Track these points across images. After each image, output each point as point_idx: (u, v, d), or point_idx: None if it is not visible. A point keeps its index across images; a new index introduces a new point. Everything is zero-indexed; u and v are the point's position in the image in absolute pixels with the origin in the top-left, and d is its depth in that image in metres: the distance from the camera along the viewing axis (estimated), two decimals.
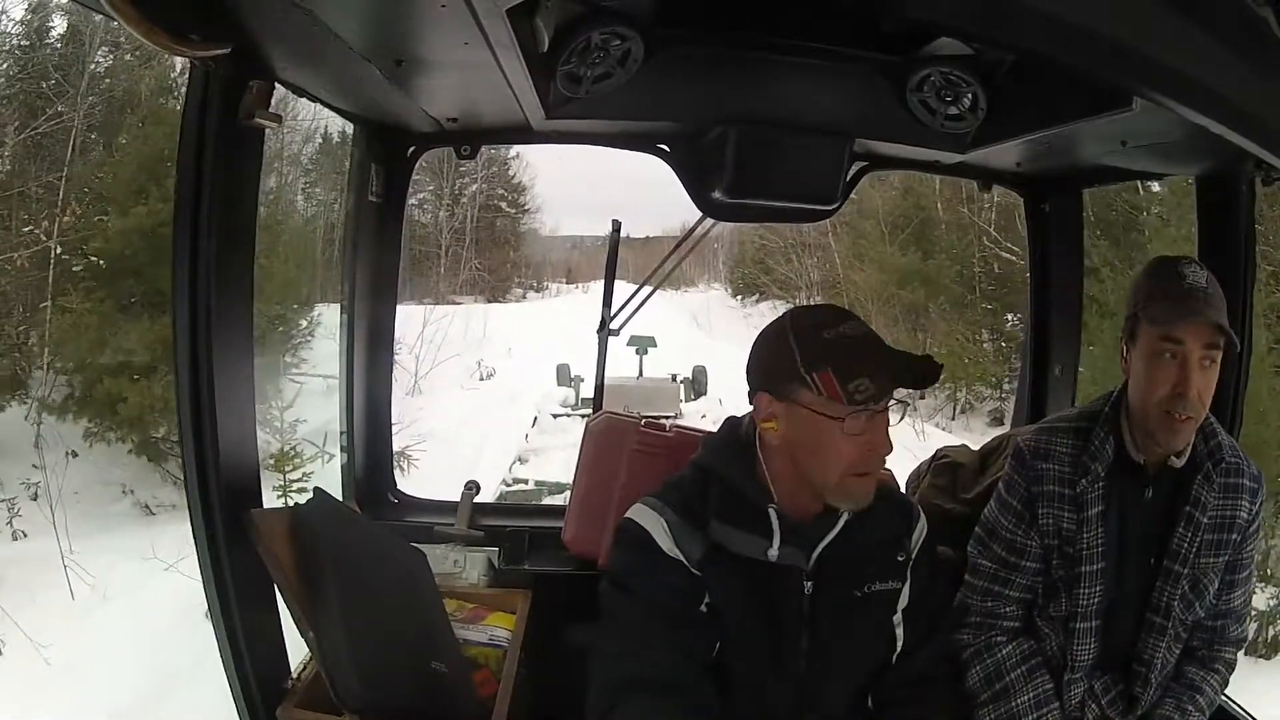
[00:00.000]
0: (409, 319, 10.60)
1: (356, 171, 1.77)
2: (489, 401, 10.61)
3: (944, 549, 1.40)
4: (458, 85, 1.45)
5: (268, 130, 1.20)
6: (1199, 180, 1.71)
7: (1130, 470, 1.31)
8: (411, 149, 1.82)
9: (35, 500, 6.28)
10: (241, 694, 1.22)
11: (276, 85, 1.23)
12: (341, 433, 1.87)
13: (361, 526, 1.51)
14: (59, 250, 7.54)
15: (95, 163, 8.42)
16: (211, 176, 1.14)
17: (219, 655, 1.22)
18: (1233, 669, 1.39)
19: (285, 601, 1.24)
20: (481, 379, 12.40)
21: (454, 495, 1.85)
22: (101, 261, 7.33)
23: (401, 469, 7.84)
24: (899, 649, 1.24)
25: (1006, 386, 11.24)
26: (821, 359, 1.10)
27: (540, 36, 1.24)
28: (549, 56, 1.33)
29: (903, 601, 1.24)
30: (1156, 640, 1.31)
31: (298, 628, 1.23)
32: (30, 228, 7.78)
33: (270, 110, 1.18)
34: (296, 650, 1.32)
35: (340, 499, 1.60)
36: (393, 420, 1.98)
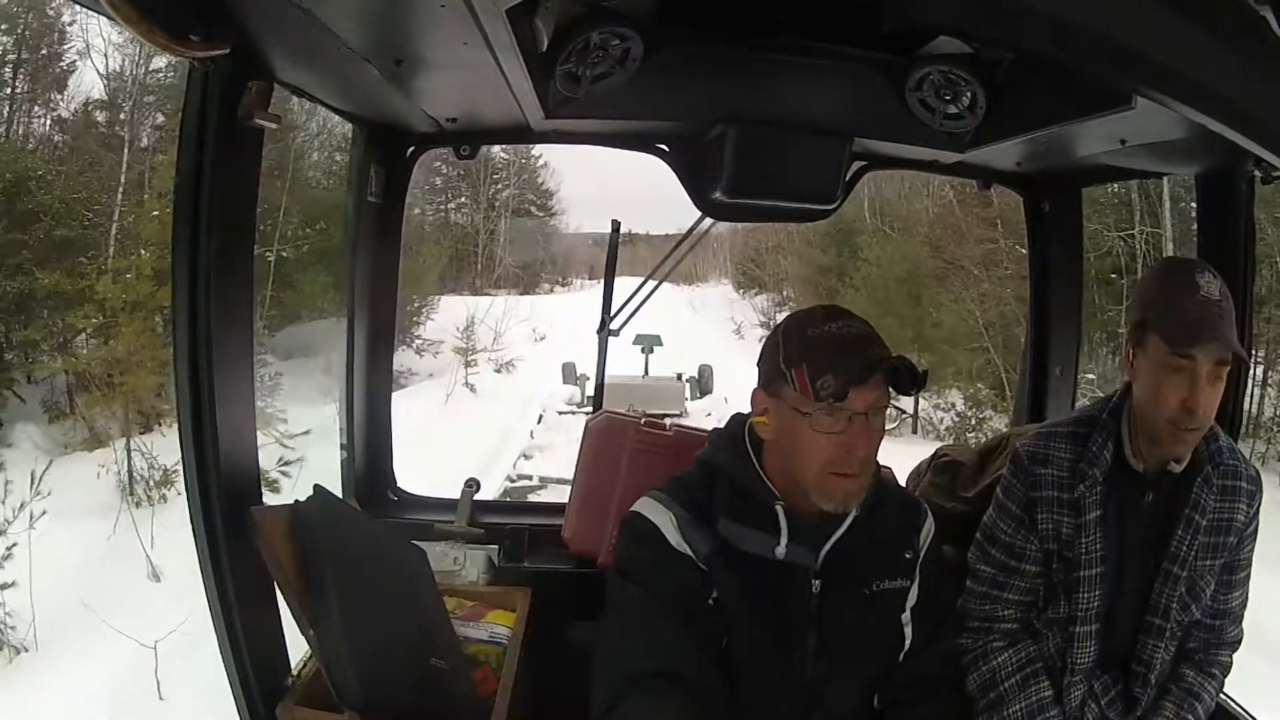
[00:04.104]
0: (478, 304, 16.34)
1: (356, 172, 1.77)
2: (542, 353, 16.12)
3: (945, 547, 1.39)
4: (457, 85, 1.45)
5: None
6: (1199, 179, 1.70)
7: (1130, 475, 1.31)
8: (411, 149, 1.82)
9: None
10: (241, 691, 1.22)
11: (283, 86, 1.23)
12: (341, 429, 1.87)
13: (362, 524, 1.51)
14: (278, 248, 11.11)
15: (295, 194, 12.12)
16: (211, 177, 1.14)
17: (219, 653, 1.22)
18: (1229, 672, 1.38)
19: (285, 599, 1.24)
20: (536, 341, 17.86)
21: (454, 492, 1.85)
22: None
23: (509, 371, 14.57)
24: (906, 648, 1.24)
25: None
26: (799, 355, 1.11)
27: (540, 36, 1.25)
28: (548, 56, 1.33)
29: (911, 600, 1.24)
30: (1155, 641, 1.31)
31: (298, 625, 1.23)
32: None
33: (270, 111, 1.18)
34: (296, 648, 1.32)
35: (340, 496, 1.61)
36: (391, 411, 1.98)
